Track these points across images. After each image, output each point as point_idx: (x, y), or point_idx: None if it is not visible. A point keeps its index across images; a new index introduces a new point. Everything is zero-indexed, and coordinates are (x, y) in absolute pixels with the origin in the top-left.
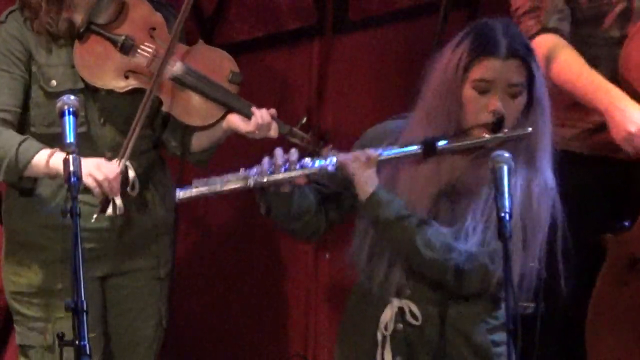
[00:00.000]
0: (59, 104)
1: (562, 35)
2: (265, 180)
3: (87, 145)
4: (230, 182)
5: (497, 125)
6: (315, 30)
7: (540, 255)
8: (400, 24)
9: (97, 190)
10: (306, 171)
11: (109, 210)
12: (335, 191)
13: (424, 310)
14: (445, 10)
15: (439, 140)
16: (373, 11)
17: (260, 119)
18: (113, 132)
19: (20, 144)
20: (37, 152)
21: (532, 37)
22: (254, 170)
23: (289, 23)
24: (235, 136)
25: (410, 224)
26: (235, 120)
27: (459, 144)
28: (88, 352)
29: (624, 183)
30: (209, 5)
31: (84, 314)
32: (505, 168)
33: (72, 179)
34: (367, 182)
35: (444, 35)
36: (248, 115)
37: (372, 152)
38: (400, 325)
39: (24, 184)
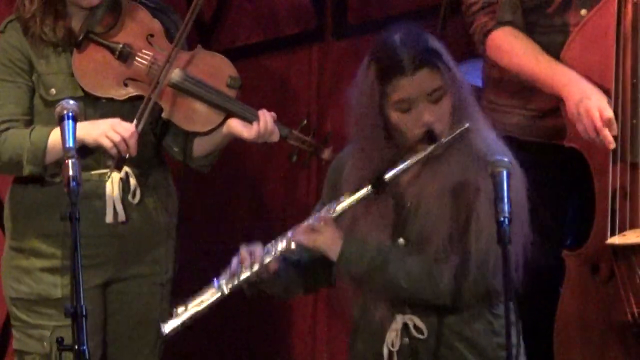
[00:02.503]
0: (58, 109)
1: (517, 26)
2: (238, 282)
3: (88, 154)
4: (209, 299)
5: (430, 136)
6: (314, 34)
7: (525, 244)
8: None
9: (113, 150)
10: (273, 257)
11: (110, 217)
12: None
13: (427, 321)
14: (445, 14)
15: (383, 173)
16: (372, 16)
17: (264, 127)
18: None
19: (30, 135)
20: (49, 134)
21: (489, 32)
22: (225, 276)
23: (288, 28)
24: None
25: (387, 267)
26: (236, 126)
27: (405, 166)
28: (87, 357)
29: (567, 170)
30: (207, 11)
31: (84, 318)
32: (505, 173)
33: (72, 184)
34: (331, 245)
35: (444, 39)
36: (249, 120)
37: (325, 215)
38: (407, 340)
39: (50, 171)
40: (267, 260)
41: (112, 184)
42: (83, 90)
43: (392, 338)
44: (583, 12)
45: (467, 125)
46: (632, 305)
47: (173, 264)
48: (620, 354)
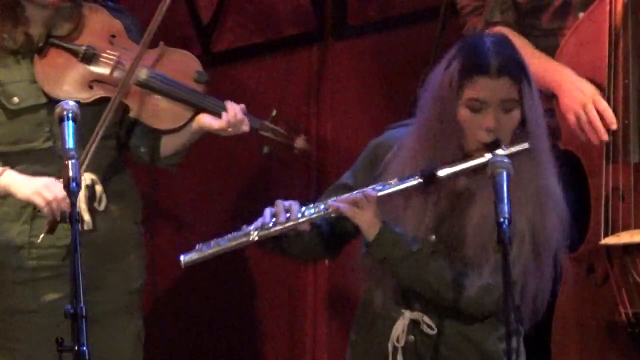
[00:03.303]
0: (57, 110)
1: (507, 25)
2: (268, 232)
3: (54, 161)
4: (234, 240)
5: (493, 145)
6: (314, 35)
7: (552, 270)
8: (399, 29)
9: (46, 209)
10: (308, 219)
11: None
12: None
13: (435, 320)
14: (444, 16)
15: (437, 168)
16: (372, 17)
17: (233, 117)
18: (79, 145)
19: None
20: None
21: None
22: (256, 224)
23: (287, 29)
24: (207, 136)
25: (420, 259)
26: (206, 120)
27: (459, 168)
28: (87, 357)
29: (563, 171)
30: (206, 12)
31: (83, 319)
32: (505, 174)
33: (72, 185)
34: (369, 224)
35: (443, 41)
36: (219, 114)
37: (371, 192)
38: (412, 337)
39: None
40: (301, 220)
41: None
42: (47, 96)
43: (398, 334)
44: (581, 15)
45: (526, 144)
46: (626, 305)
47: (143, 272)
48: (617, 355)
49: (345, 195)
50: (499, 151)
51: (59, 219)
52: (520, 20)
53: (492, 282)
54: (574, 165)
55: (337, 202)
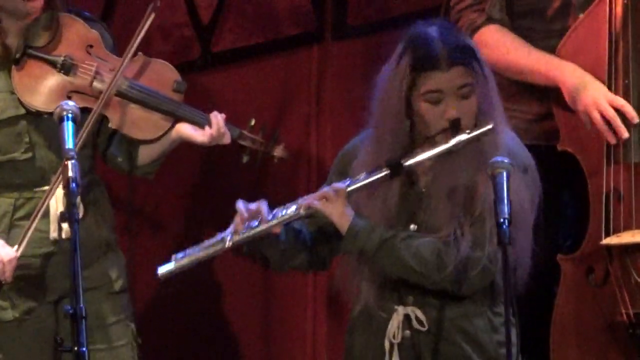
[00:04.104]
0: (57, 110)
1: (505, 24)
2: (241, 238)
3: (33, 171)
4: (209, 248)
5: (454, 128)
6: (314, 36)
7: (530, 240)
8: (400, 29)
9: None
10: (279, 220)
11: (55, 233)
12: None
13: (429, 314)
14: (444, 16)
15: (402, 158)
16: (372, 17)
17: (217, 130)
18: (59, 156)
19: None
20: None
21: (477, 28)
22: (229, 230)
23: (287, 29)
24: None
25: (396, 244)
26: (186, 130)
27: (424, 156)
28: (87, 358)
29: (563, 171)
30: (206, 13)
31: (83, 320)
32: (505, 174)
33: (72, 185)
34: (341, 217)
35: None
36: (200, 124)
37: (340, 186)
38: (408, 332)
39: None
40: (273, 222)
41: (57, 200)
42: (25, 107)
43: (394, 330)
44: (581, 16)
45: (491, 125)
46: (627, 305)
47: (122, 274)
48: (617, 355)
49: (315, 193)
50: (463, 136)
51: (3, 281)
52: (519, 22)
53: (472, 255)
54: (573, 166)
55: (306, 200)
